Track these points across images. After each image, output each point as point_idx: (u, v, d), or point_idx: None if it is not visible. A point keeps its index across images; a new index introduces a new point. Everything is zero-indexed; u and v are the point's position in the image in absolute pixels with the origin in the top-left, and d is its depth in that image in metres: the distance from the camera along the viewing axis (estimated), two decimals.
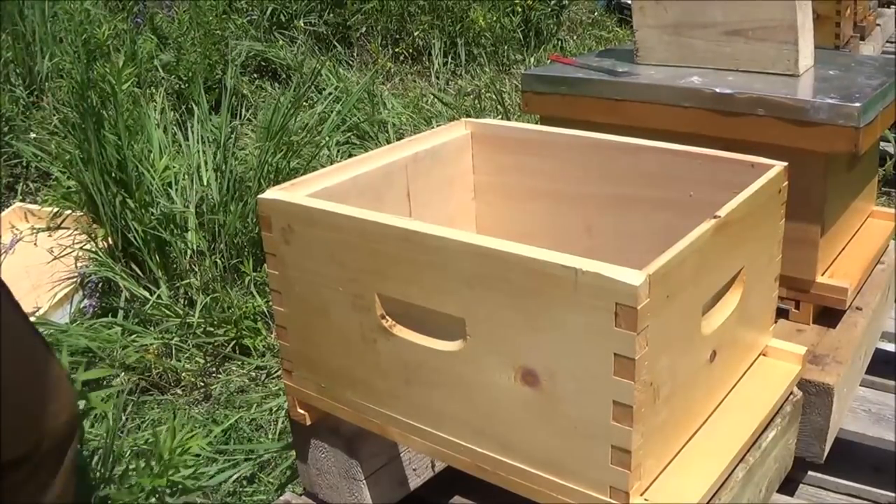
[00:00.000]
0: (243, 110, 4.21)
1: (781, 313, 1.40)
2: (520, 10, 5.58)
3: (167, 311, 2.60)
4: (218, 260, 2.77)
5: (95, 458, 1.85)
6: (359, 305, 1.04)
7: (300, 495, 1.30)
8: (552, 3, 5.79)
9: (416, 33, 5.24)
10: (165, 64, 4.22)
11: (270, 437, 2.09)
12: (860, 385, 1.55)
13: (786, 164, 1.10)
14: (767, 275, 1.14)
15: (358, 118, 4.02)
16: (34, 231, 2.92)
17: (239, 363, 2.49)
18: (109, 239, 2.78)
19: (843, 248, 1.53)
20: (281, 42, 4.99)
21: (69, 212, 2.96)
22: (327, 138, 3.67)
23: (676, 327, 0.91)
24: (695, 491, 0.94)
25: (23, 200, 3.32)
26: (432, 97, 4.59)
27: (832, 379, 1.30)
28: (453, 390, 0.99)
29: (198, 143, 3.14)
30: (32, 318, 2.30)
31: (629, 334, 0.82)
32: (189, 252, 2.76)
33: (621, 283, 0.81)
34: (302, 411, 1.20)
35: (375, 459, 1.21)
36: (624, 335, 0.82)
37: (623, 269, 0.82)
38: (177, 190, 2.94)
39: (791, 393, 1.17)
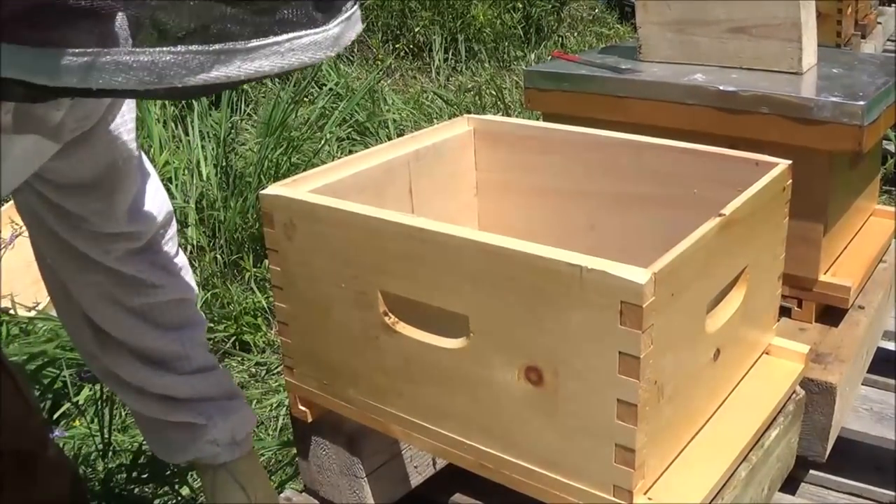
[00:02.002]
0: (243, 105, 4.20)
1: (784, 312, 1.40)
2: (520, 6, 5.58)
3: None
4: (218, 255, 2.76)
5: (94, 454, 1.85)
6: (361, 302, 1.04)
7: (301, 492, 1.30)
8: None
9: (416, 29, 5.23)
10: None
11: (271, 433, 2.09)
12: (862, 384, 1.55)
13: (790, 162, 1.10)
14: (771, 273, 1.14)
15: (359, 115, 4.01)
16: None
17: (239, 359, 2.49)
18: None
19: (846, 247, 1.53)
20: None
21: None
22: (329, 135, 3.66)
23: (681, 326, 0.90)
24: (698, 490, 0.93)
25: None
26: (433, 93, 4.58)
27: (835, 378, 1.30)
28: (456, 388, 0.98)
29: (198, 138, 3.13)
30: (32, 313, 2.29)
31: (634, 333, 0.81)
32: (189, 247, 2.75)
33: (627, 281, 0.81)
34: (303, 408, 1.20)
35: (377, 457, 1.20)
36: (629, 333, 0.82)
37: (629, 268, 0.82)
38: (177, 185, 2.94)
39: (794, 392, 1.17)
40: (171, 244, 1.09)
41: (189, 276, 1.12)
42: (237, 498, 1.10)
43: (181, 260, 1.11)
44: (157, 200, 1.05)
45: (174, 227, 1.10)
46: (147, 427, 1.12)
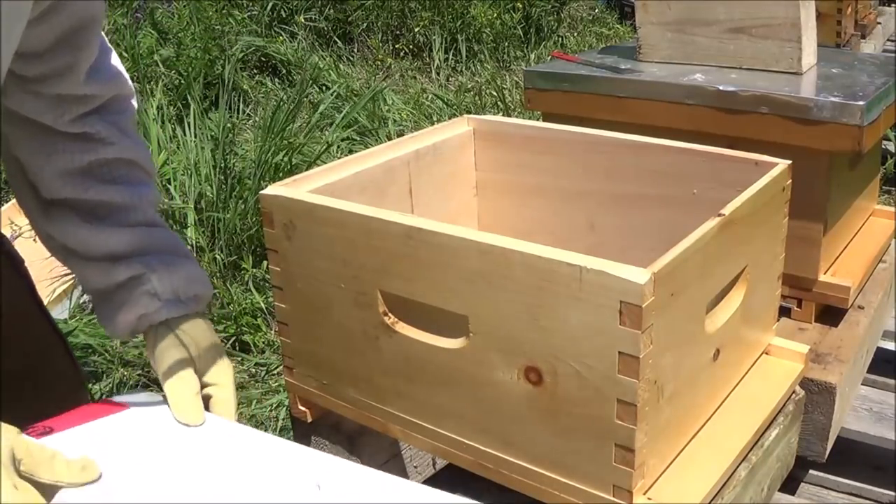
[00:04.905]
0: (243, 106, 4.21)
1: (783, 312, 1.40)
2: (520, 6, 5.58)
3: None
4: (217, 256, 2.76)
5: None
6: (361, 302, 1.04)
7: None
8: None
9: (416, 29, 5.23)
10: (165, 59, 4.21)
11: (271, 433, 2.09)
12: (862, 384, 1.55)
13: (789, 162, 1.10)
14: (770, 273, 1.14)
15: (359, 115, 4.02)
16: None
17: (239, 360, 2.49)
18: None
19: (846, 247, 1.53)
20: (281, 37, 4.98)
21: None
22: (330, 138, 3.66)
23: (681, 325, 0.90)
24: (698, 490, 0.93)
25: None
26: (433, 93, 4.58)
27: (834, 378, 1.30)
28: (456, 388, 0.98)
29: (197, 139, 3.13)
30: None
31: (634, 333, 0.81)
32: (188, 248, 2.75)
33: (626, 281, 0.81)
34: (303, 408, 1.20)
35: (377, 457, 1.20)
36: (629, 333, 0.82)
37: (628, 268, 0.82)
38: (175, 186, 2.94)
39: (793, 392, 1.17)
40: (128, 114, 1.04)
41: (147, 153, 1.05)
42: (178, 353, 0.96)
43: (141, 138, 1.05)
44: (116, 71, 1.02)
45: (134, 107, 1.05)
46: (98, 304, 1.04)
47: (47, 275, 2.66)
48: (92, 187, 0.99)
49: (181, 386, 0.96)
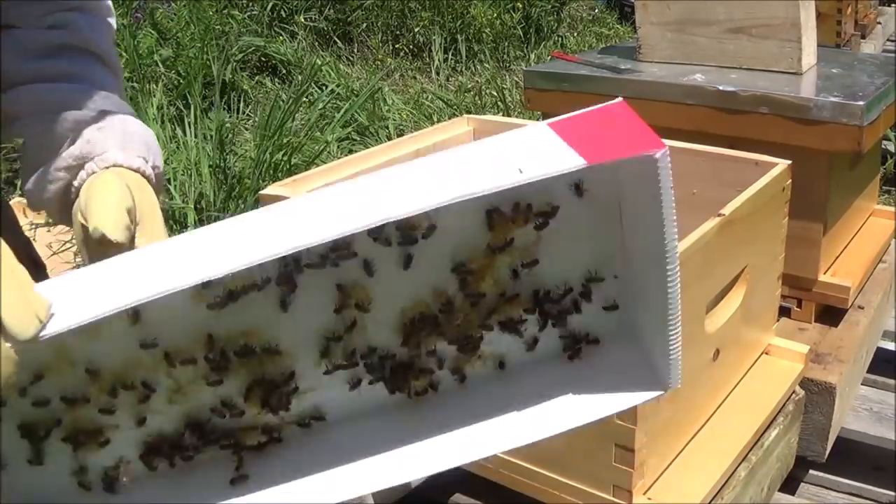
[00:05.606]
0: (243, 106, 4.20)
1: (784, 312, 1.40)
2: (520, 6, 5.58)
3: None
4: None
5: None
6: None
7: None
8: None
9: (416, 29, 5.23)
10: (165, 59, 4.21)
11: None
12: (862, 384, 1.55)
13: (789, 162, 1.10)
14: (770, 273, 1.14)
15: (359, 115, 4.02)
16: (33, 226, 2.90)
17: None
18: None
19: (846, 247, 1.53)
20: (281, 38, 4.98)
21: None
22: (329, 137, 3.66)
23: (681, 325, 0.90)
24: (698, 490, 0.93)
25: (22, 195, 3.30)
26: (433, 94, 4.59)
27: (834, 378, 1.30)
28: None
29: (197, 138, 3.13)
30: None
31: None
32: None
33: None
34: None
35: None
36: None
37: None
38: (175, 186, 2.94)
39: (793, 392, 1.17)
40: (105, 23, 0.97)
41: (117, 60, 0.98)
42: (114, 186, 0.81)
43: (117, 56, 0.98)
44: None
45: (113, 26, 0.99)
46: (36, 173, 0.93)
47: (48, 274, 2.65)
48: (49, 65, 0.92)
49: (109, 200, 0.79)
